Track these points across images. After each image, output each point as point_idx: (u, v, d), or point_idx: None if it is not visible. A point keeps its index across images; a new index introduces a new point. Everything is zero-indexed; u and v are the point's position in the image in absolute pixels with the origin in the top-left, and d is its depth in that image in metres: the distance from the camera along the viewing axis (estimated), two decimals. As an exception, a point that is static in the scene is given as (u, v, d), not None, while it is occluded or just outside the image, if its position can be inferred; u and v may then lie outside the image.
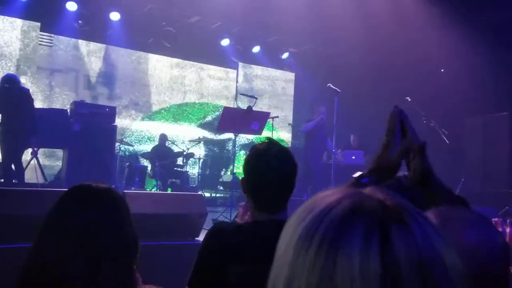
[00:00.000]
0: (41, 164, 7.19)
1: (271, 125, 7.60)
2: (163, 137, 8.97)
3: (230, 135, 8.59)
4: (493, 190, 7.30)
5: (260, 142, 1.91)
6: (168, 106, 10.31)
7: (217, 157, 10.63)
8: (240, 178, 1.88)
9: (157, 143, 9.06)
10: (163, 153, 8.53)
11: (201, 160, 9.35)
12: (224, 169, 10.44)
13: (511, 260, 1.02)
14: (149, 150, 9.07)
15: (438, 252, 0.54)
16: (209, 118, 10.74)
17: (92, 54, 9.48)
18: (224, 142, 10.77)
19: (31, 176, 7.83)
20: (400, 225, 0.53)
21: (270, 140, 1.87)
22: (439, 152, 7.68)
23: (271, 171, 1.75)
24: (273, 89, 11.68)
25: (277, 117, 10.14)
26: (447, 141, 7.54)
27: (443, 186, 1.34)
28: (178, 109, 10.42)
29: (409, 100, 7.30)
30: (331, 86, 6.88)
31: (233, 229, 1.80)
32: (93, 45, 9.48)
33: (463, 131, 8.24)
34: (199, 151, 9.85)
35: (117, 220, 1.26)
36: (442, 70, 9.06)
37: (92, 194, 1.29)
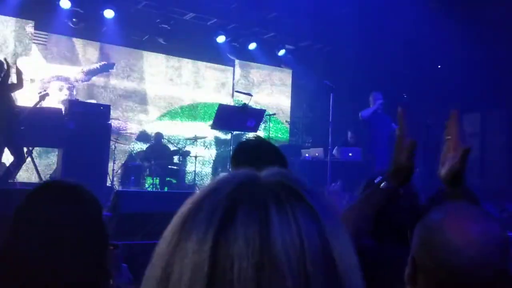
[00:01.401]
0: (36, 163, 7.16)
1: (268, 123, 7.56)
2: (159, 136, 8.93)
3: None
4: (491, 186, 7.29)
5: (249, 138, 1.91)
6: (168, 109, 10.27)
7: (214, 155, 10.59)
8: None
9: (153, 142, 9.02)
10: (158, 152, 8.48)
11: (197, 158, 9.30)
12: (221, 168, 10.40)
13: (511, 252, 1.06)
14: (144, 148, 9.03)
15: (294, 243, 0.47)
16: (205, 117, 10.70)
17: (87, 52, 9.43)
18: (221, 139, 10.72)
19: (26, 175, 7.82)
20: (250, 211, 0.48)
21: (259, 137, 1.90)
22: (431, 147, 7.66)
23: (261, 167, 1.72)
24: (270, 86, 11.62)
25: (274, 114, 10.14)
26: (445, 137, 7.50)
27: (466, 186, 1.39)
28: (180, 109, 10.39)
29: (405, 96, 7.26)
30: (326, 82, 6.84)
31: None
32: (88, 43, 9.42)
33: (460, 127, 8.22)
34: (196, 149, 9.80)
35: (85, 216, 1.26)
36: (439, 66, 9.04)
37: (59, 191, 1.29)
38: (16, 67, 6.60)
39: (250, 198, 0.49)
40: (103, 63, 7.15)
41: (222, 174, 0.58)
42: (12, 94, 6.41)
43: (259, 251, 0.45)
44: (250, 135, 6.55)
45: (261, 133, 8.85)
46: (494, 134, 7.67)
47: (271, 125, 8.81)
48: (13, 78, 6.35)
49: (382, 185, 1.46)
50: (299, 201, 0.50)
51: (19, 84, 6.41)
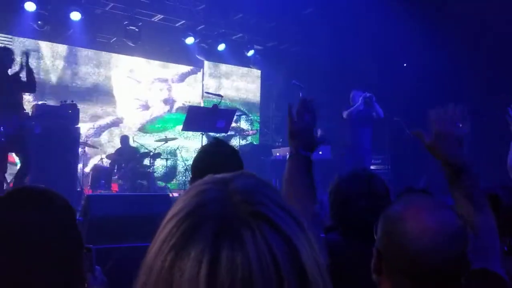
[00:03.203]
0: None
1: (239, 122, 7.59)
2: (125, 139, 8.87)
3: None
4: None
5: (208, 143, 2.01)
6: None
7: (185, 157, 10.57)
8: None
9: (120, 145, 8.95)
10: (127, 155, 8.42)
11: (168, 160, 9.29)
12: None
13: (468, 242, 1.13)
14: (113, 152, 8.94)
15: (268, 263, 0.52)
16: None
17: (54, 56, 9.28)
18: (191, 141, 10.71)
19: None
20: (233, 241, 0.53)
21: (217, 141, 1.97)
22: (403, 147, 7.86)
23: (216, 170, 1.83)
24: (239, 87, 11.67)
25: (245, 114, 10.21)
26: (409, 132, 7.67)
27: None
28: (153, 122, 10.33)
29: (368, 95, 7.08)
30: (295, 82, 6.93)
31: None
32: (54, 46, 9.28)
33: (426, 126, 8.40)
34: (167, 150, 9.78)
35: (55, 221, 1.23)
36: (405, 65, 9.23)
37: (27, 197, 1.25)
38: (27, 64, 5.97)
39: (229, 231, 0.54)
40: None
41: (200, 185, 0.62)
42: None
43: (242, 270, 0.51)
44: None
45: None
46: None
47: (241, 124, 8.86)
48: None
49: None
50: (265, 221, 0.55)
51: (29, 86, 5.98)
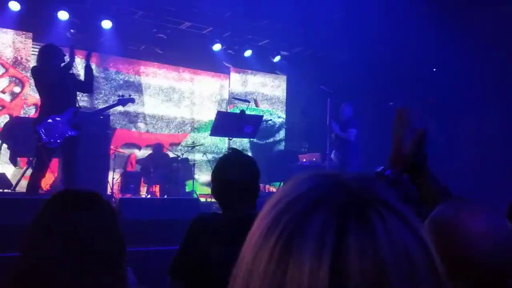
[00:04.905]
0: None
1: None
2: (159, 145, 9.06)
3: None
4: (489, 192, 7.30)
5: (226, 153, 2.13)
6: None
7: (213, 162, 10.66)
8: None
9: (153, 151, 9.13)
10: (158, 160, 8.57)
11: (196, 165, 9.40)
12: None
13: None
14: (144, 156, 9.12)
15: (402, 253, 0.47)
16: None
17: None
18: (218, 146, 10.81)
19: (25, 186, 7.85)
20: (360, 224, 0.47)
21: (233, 151, 2.09)
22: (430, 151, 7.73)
23: (232, 179, 2.00)
24: (266, 93, 11.73)
25: (271, 120, 10.24)
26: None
27: (434, 177, 1.44)
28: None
29: (392, 104, 7.17)
30: (323, 87, 6.95)
31: (213, 216, 2.03)
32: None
33: (456, 131, 8.30)
34: (194, 156, 9.89)
35: (103, 223, 1.28)
36: (435, 70, 9.13)
37: (76, 199, 1.30)
38: (88, 64, 5.81)
39: (355, 213, 0.48)
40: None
41: (303, 176, 0.56)
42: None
43: (373, 269, 0.45)
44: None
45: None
46: (490, 137, 7.70)
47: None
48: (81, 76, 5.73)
49: (385, 173, 1.56)
50: (390, 209, 0.49)
51: (87, 85, 5.76)
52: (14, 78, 8.91)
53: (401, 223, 0.48)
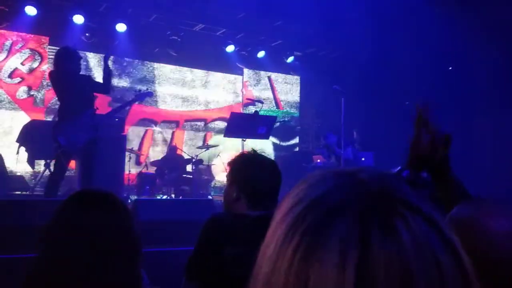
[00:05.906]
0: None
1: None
2: (173, 148, 9.12)
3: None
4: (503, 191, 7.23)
5: (247, 152, 2.15)
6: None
7: (226, 163, 10.69)
8: (228, 182, 2.11)
9: (167, 153, 9.20)
10: (173, 162, 8.63)
11: (209, 166, 9.45)
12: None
13: None
14: (159, 158, 9.19)
15: (429, 258, 0.45)
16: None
17: (101, 66, 9.63)
18: (231, 147, 10.84)
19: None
20: (384, 231, 0.45)
21: (256, 152, 2.13)
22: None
23: (263, 179, 2.04)
24: (279, 93, 11.73)
25: (284, 121, 10.24)
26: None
27: (457, 179, 1.43)
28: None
29: (407, 103, 7.18)
30: (336, 87, 6.93)
31: (228, 217, 2.03)
32: (101, 57, 9.62)
33: (472, 131, 8.21)
34: (208, 157, 9.93)
35: (120, 222, 1.30)
36: (450, 68, 9.05)
37: (93, 199, 1.33)
38: (106, 66, 5.79)
39: (378, 220, 0.46)
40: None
41: (319, 175, 0.54)
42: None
43: (400, 281, 0.43)
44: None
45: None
46: (506, 137, 7.61)
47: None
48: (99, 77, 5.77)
49: (402, 174, 1.49)
50: (415, 211, 0.48)
51: (105, 86, 5.74)
52: (33, 51, 9.09)
53: (427, 226, 0.47)
